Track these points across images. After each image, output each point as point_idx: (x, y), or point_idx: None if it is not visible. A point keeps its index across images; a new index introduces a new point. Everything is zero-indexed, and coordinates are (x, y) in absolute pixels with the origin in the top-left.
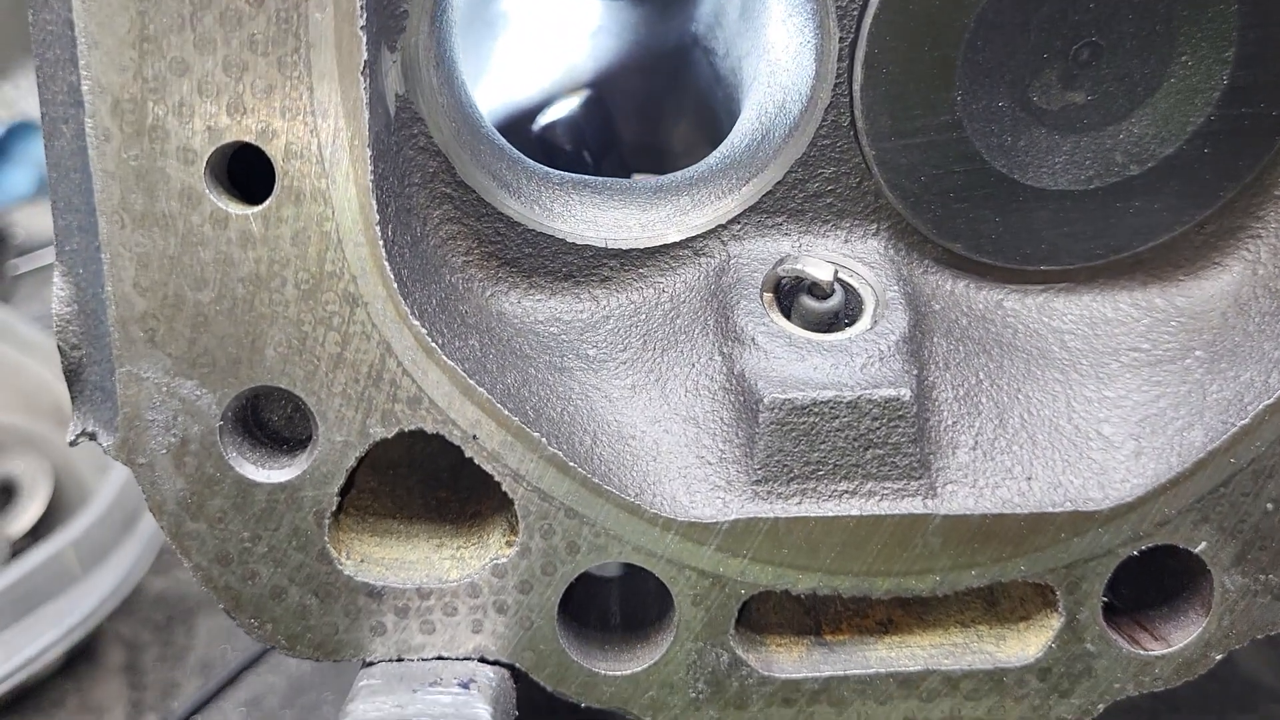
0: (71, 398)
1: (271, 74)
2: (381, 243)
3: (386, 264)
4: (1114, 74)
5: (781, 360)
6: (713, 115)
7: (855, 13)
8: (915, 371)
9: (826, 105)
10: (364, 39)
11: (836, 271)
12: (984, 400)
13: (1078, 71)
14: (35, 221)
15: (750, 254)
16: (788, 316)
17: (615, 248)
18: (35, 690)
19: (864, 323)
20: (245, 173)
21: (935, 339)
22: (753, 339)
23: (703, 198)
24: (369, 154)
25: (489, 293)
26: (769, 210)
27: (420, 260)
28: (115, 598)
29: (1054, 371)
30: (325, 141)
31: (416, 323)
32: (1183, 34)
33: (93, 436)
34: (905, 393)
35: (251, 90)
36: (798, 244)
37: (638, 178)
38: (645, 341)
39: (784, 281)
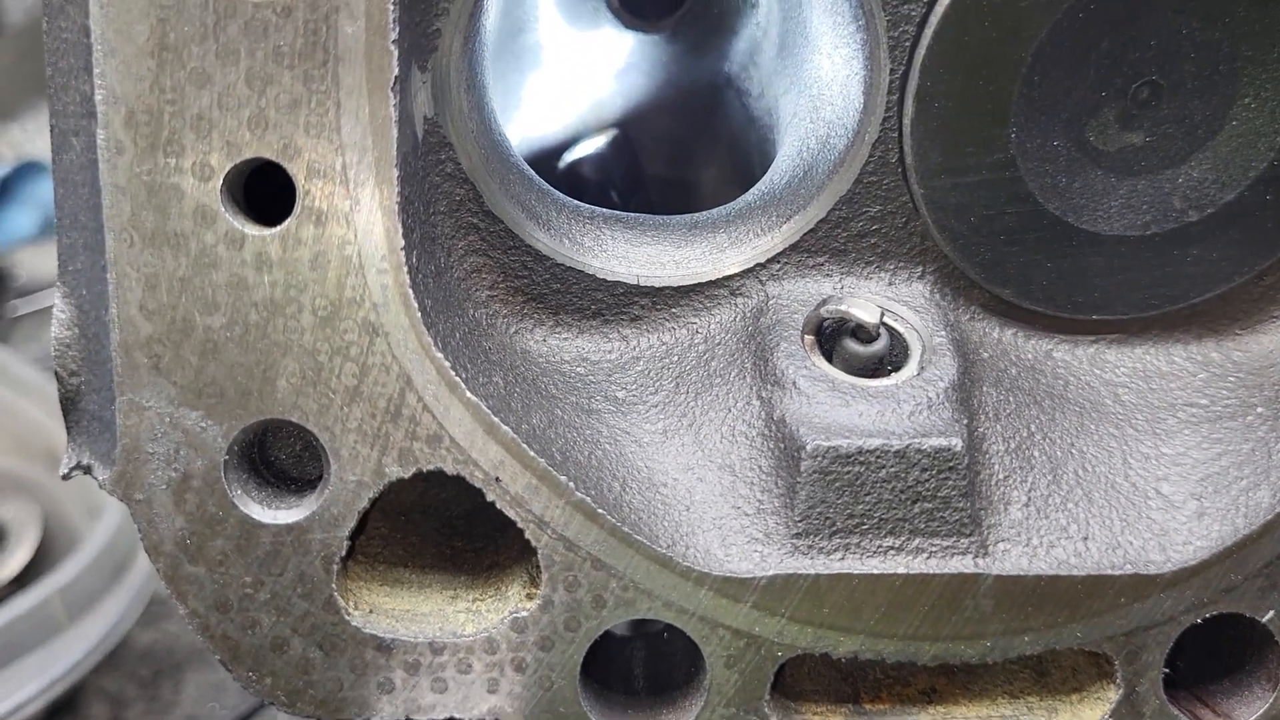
0: (67, 428)
1: (297, 88)
2: (406, 269)
3: (410, 292)
4: (1174, 115)
5: (824, 406)
6: (745, 157)
7: (908, 44)
8: (965, 421)
9: (874, 140)
10: (395, 54)
11: (883, 314)
12: (1036, 454)
13: (1136, 112)
14: (38, 263)
15: (790, 295)
16: (829, 360)
17: (648, 285)
18: None
19: (910, 369)
20: (263, 196)
21: (984, 388)
22: (794, 382)
23: (741, 235)
24: (396, 175)
25: (513, 329)
26: (810, 250)
27: (444, 291)
28: (101, 649)
29: (1108, 426)
30: (350, 161)
31: (440, 355)
32: (1246, 75)
33: (88, 470)
34: (956, 443)
35: (275, 105)
36: (839, 285)
37: (670, 216)
38: (678, 384)
39: (826, 324)
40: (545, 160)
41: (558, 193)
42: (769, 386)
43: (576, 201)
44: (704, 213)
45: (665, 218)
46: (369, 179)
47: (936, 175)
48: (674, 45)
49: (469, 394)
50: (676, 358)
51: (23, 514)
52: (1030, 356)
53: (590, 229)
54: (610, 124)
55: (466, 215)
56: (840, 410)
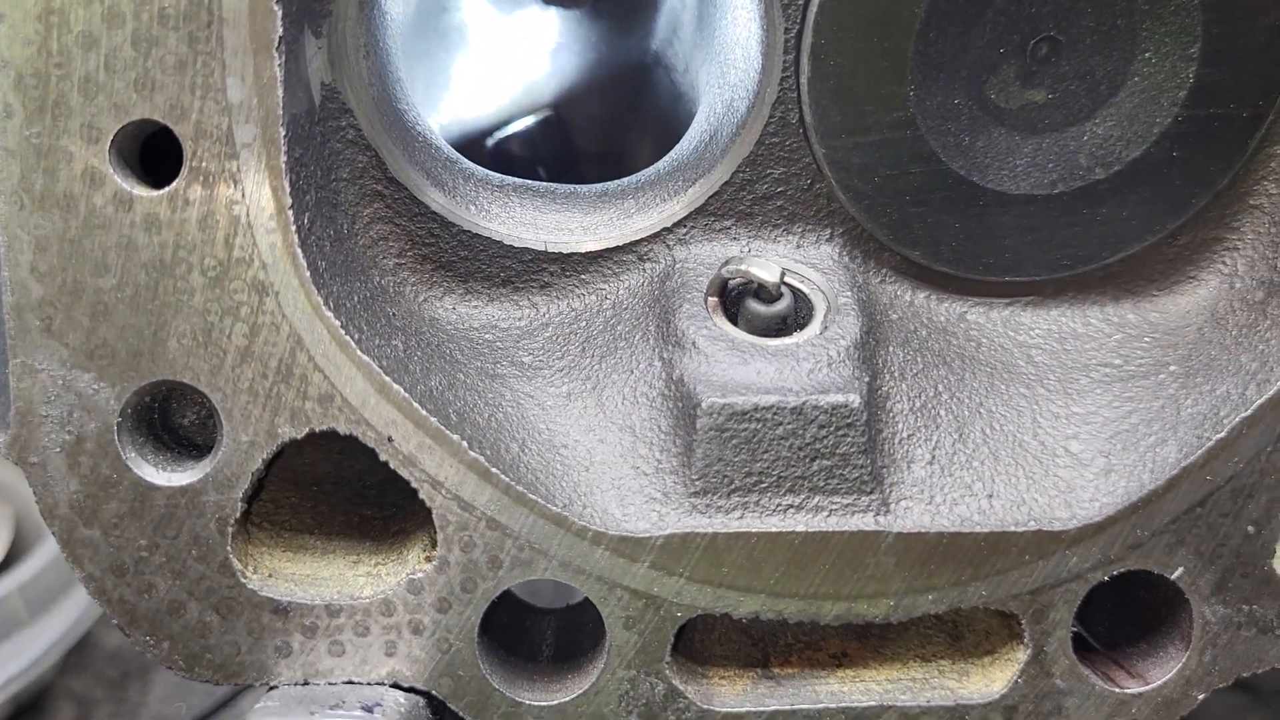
0: None
1: (182, 49)
2: (295, 229)
3: (299, 250)
4: (1075, 72)
5: (723, 364)
6: (675, 133)
7: (800, 2)
8: (867, 379)
9: (774, 101)
10: (279, 13)
11: (784, 274)
12: (943, 413)
13: (1036, 68)
14: None
15: (696, 259)
16: (734, 322)
17: (556, 251)
18: None
19: (813, 328)
20: (164, 159)
21: (891, 348)
22: (693, 343)
23: (648, 201)
24: (283, 134)
25: (422, 297)
26: (716, 213)
27: (344, 256)
28: (63, 645)
29: (1019, 386)
30: (237, 121)
31: (330, 315)
32: (1145, 29)
33: None
34: (854, 399)
35: (161, 66)
36: (747, 248)
37: (581, 185)
38: (584, 348)
39: (730, 285)
40: (477, 140)
41: (465, 160)
42: (670, 347)
43: (485, 170)
44: (614, 181)
45: (575, 186)
46: (256, 139)
47: (837, 135)
48: (599, 23)
49: (360, 354)
50: (584, 323)
51: None
52: (942, 319)
53: (498, 196)
54: (543, 105)
55: (370, 182)
56: (739, 369)
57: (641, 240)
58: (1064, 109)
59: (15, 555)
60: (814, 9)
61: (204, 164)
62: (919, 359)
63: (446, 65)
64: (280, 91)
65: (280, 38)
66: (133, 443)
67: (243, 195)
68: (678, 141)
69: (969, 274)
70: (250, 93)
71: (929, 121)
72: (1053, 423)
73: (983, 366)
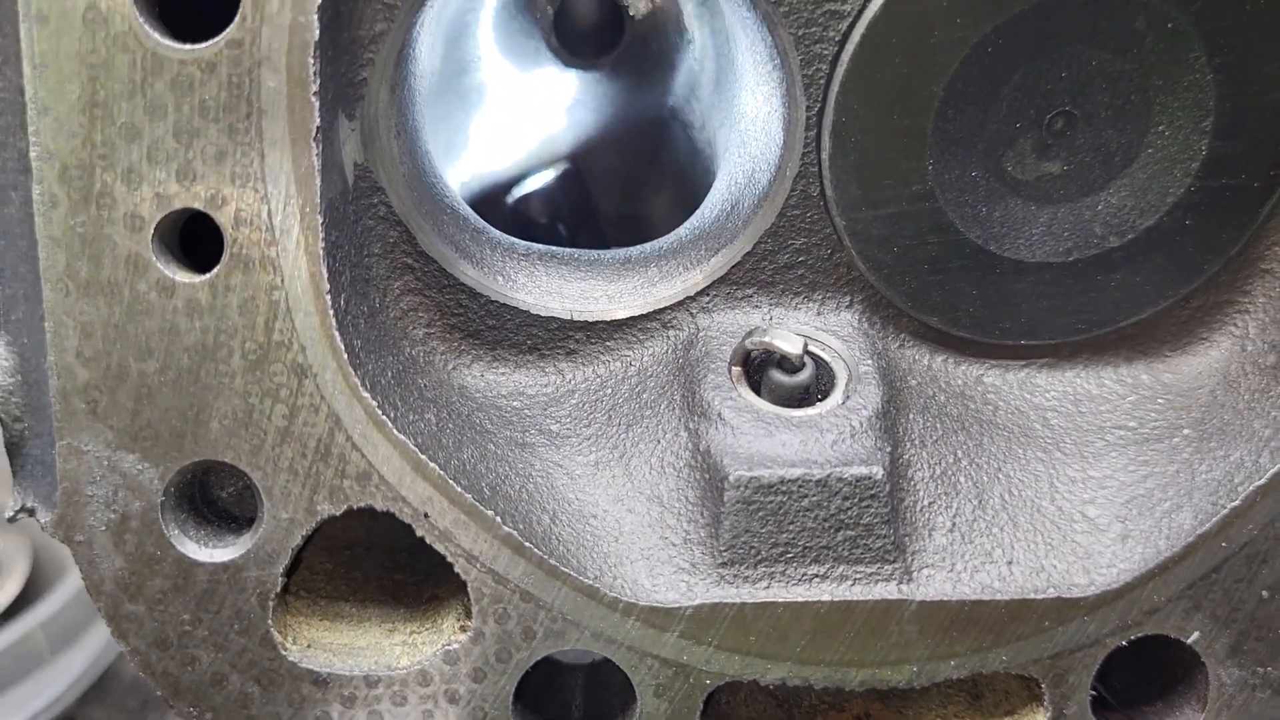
0: (13, 472)
1: (222, 140)
2: (332, 312)
3: (337, 334)
4: (1090, 144)
5: (748, 436)
6: (692, 188)
7: (822, 81)
8: (889, 448)
9: (795, 175)
10: (317, 105)
11: (807, 345)
12: (962, 479)
13: (1052, 141)
14: None
15: (719, 327)
16: (757, 391)
17: (581, 320)
18: None
19: (835, 398)
20: (199, 243)
21: (911, 415)
22: (719, 414)
23: (671, 269)
24: (320, 221)
25: (451, 365)
26: (739, 282)
27: (377, 331)
28: (84, 682)
29: (1036, 450)
30: (276, 209)
31: (367, 395)
32: (1159, 104)
33: (31, 512)
34: (877, 471)
35: (202, 157)
36: (768, 316)
37: (604, 250)
38: (610, 417)
39: (753, 355)
40: (496, 196)
41: (493, 230)
42: (696, 418)
43: (511, 239)
44: (637, 247)
45: (599, 253)
46: (294, 226)
47: (857, 208)
48: (616, 81)
49: (396, 433)
50: (610, 390)
51: (12, 547)
52: (960, 383)
53: (524, 266)
54: (560, 158)
55: (401, 256)
56: (764, 440)
57: (665, 308)
58: (1079, 180)
59: (37, 591)
60: (836, 89)
61: (244, 251)
62: (938, 425)
63: (465, 124)
64: (318, 181)
65: (318, 127)
66: (175, 520)
67: (282, 281)
68: (694, 196)
69: (986, 338)
70: (289, 182)
71: (947, 194)
72: (1070, 487)
73: (1000, 431)
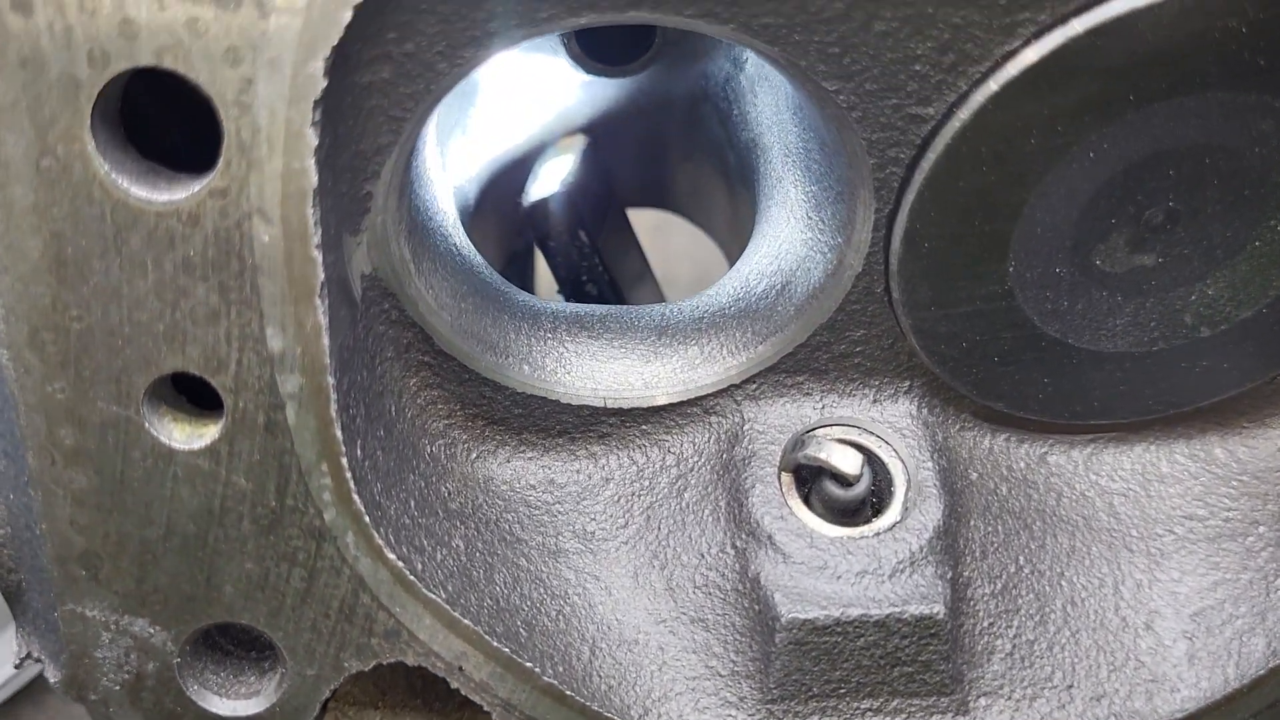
0: (14, 615)
1: (213, 299)
2: (349, 474)
3: (356, 497)
4: (1190, 238)
5: (801, 567)
6: (721, 170)
7: (895, 185)
8: (949, 573)
9: (857, 273)
10: (319, 259)
11: (864, 463)
12: (1024, 593)
13: (1149, 236)
14: None
15: (767, 419)
16: (808, 500)
17: (615, 407)
18: None
19: (893, 513)
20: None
21: (972, 522)
22: (769, 536)
23: (714, 351)
24: (331, 382)
25: (475, 455)
26: (789, 370)
27: (395, 447)
28: None
29: (1101, 547)
30: (280, 369)
31: (393, 556)
32: (1275, 199)
33: (39, 662)
34: (939, 609)
35: (191, 317)
36: (821, 405)
37: (637, 307)
38: (649, 518)
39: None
40: (508, 178)
41: (516, 298)
42: (744, 535)
43: (533, 307)
44: (673, 309)
45: (632, 316)
46: (302, 389)
47: (926, 308)
48: (642, 78)
49: (425, 591)
50: (648, 481)
51: None
52: (1022, 465)
53: (552, 348)
54: (577, 129)
55: (416, 355)
56: (818, 573)
57: (708, 395)
58: (1173, 272)
59: None
60: (911, 196)
61: (246, 415)
62: (999, 528)
63: (464, 119)
64: (326, 339)
65: (323, 284)
66: (194, 675)
67: (291, 445)
68: (723, 176)
69: (1055, 419)
70: (293, 342)
71: (1026, 292)
72: (1135, 594)
73: (1064, 525)
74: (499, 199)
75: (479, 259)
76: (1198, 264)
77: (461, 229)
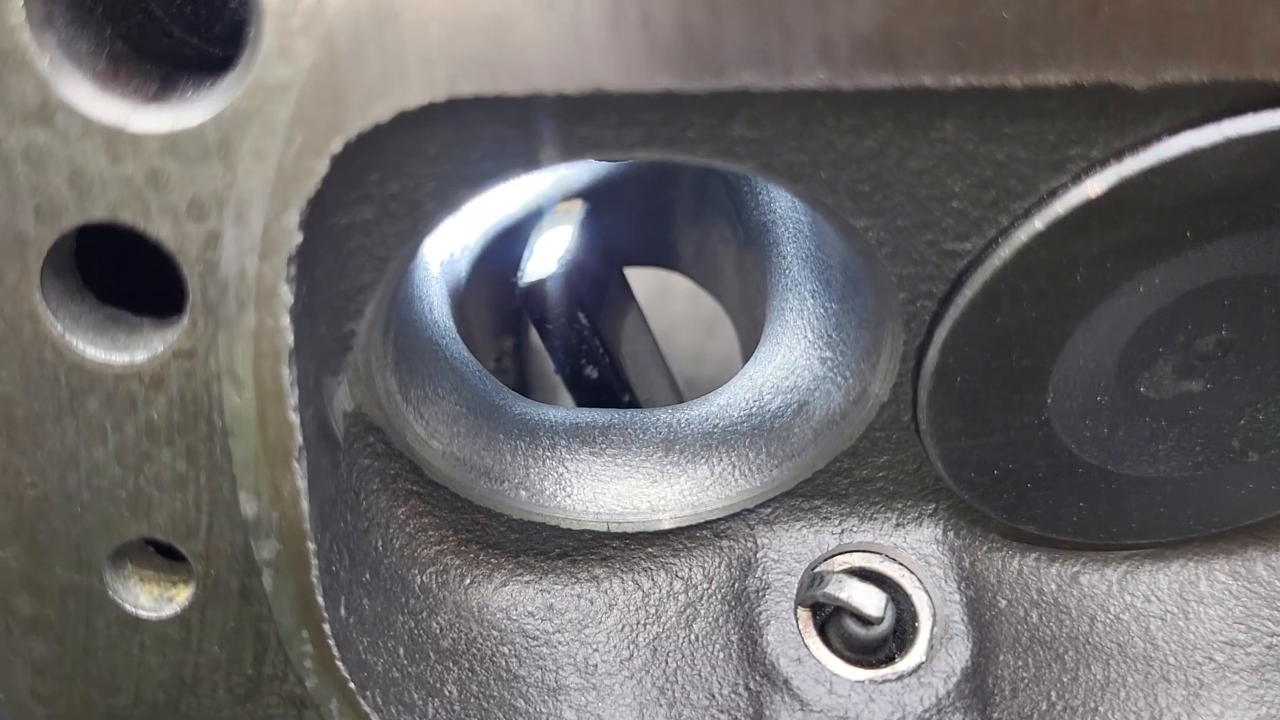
0: None
1: (180, 465)
2: (332, 640)
3: (340, 663)
4: (1242, 364)
5: (820, 717)
6: (731, 236)
7: (926, 318)
8: (978, 718)
9: (883, 402)
10: (297, 422)
11: (888, 603)
12: None
13: (1198, 363)
14: None
15: (783, 546)
16: (824, 633)
17: (620, 531)
18: None
19: (918, 652)
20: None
21: (1001, 657)
22: (786, 681)
23: (725, 473)
24: (311, 548)
25: (468, 580)
26: (806, 495)
27: (383, 589)
28: None
29: (1137, 676)
30: (255, 536)
31: None
32: None
33: None
34: None
35: (156, 483)
36: (840, 530)
37: (641, 416)
38: (655, 650)
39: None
40: (504, 246)
41: (512, 410)
42: (758, 677)
43: (533, 419)
44: (681, 418)
45: (637, 427)
46: (279, 556)
47: (956, 439)
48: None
49: None
50: (654, 609)
51: None
52: (1053, 587)
53: (551, 469)
54: (575, 194)
55: (405, 485)
56: None
57: (718, 519)
58: (1223, 398)
59: None
60: (944, 331)
61: (219, 583)
62: (1030, 661)
63: None
64: (305, 504)
65: (301, 448)
66: None
67: (268, 612)
68: (729, 249)
69: (1090, 541)
70: (268, 508)
71: (1065, 421)
72: None
73: (1098, 653)
74: (493, 271)
75: (473, 367)
76: (1249, 390)
77: (454, 333)
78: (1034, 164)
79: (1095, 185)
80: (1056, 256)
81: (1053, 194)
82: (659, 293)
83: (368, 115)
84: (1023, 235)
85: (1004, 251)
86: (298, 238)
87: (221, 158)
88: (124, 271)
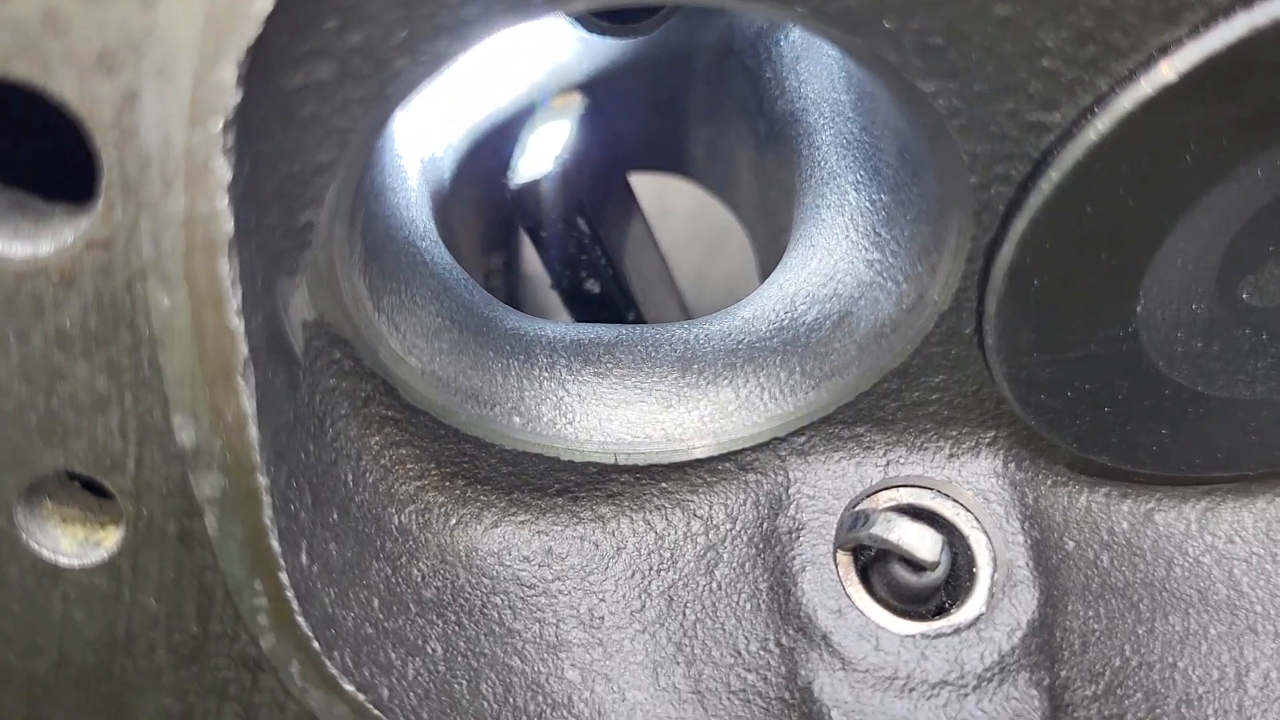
0: None
1: (99, 382)
2: (290, 591)
3: (301, 619)
4: None
5: (865, 677)
6: (750, 134)
7: (1000, 207)
8: (1046, 679)
9: (942, 311)
10: (240, 328)
11: (944, 545)
12: (1131, 691)
13: None
14: None
15: (819, 481)
16: (867, 579)
17: (629, 464)
18: None
19: (976, 602)
20: None
21: (1070, 606)
22: (824, 635)
23: (752, 394)
24: (263, 482)
25: (454, 520)
26: (847, 420)
27: (354, 531)
28: None
29: (1220, 626)
30: (194, 467)
31: (351, 688)
32: None
33: None
34: None
35: (72, 404)
36: (885, 461)
37: (654, 330)
38: (671, 600)
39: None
40: (491, 146)
41: (504, 324)
42: (791, 631)
43: (528, 334)
44: (700, 333)
45: (648, 343)
46: (223, 492)
47: (1027, 354)
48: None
49: None
50: (669, 553)
51: None
52: (1126, 525)
53: (549, 391)
54: (574, 85)
55: (378, 409)
56: (886, 685)
57: (745, 450)
58: None
59: None
60: (1022, 224)
61: (153, 524)
62: (1101, 610)
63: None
64: (253, 429)
65: (246, 359)
66: None
67: (213, 559)
68: (751, 144)
69: (1170, 473)
70: (209, 434)
71: (1154, 333)
72: (1262, 688)
73: (1176, 601)
74: (481, 173)
75: (457, 274)
76: None
77: (434, 235)
78: (1144, 12)
79: (1216, 40)
80: (1164, 130)
81: (1164, 51)
82: (658, 214)
83: None
84: (1126, 103)
85: (1101, 124)
86: (236, 97)
87: None
88: (36, 148)
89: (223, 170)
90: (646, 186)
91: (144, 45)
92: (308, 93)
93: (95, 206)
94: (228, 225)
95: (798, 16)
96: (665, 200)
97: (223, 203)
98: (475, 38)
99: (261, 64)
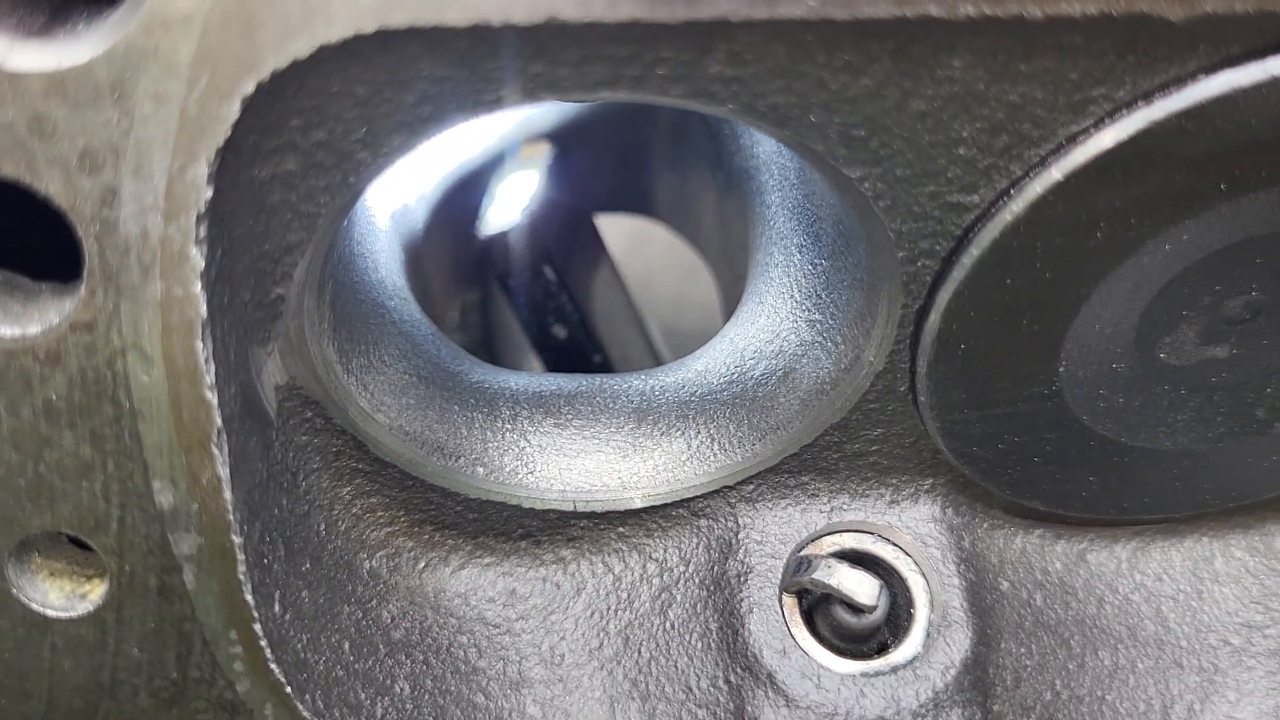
0: None
1: (84, 450)
2: (264, 640)
3: (274, 666)
4: (1272, 328)
5: (807, 714)
6: (711, 182)
7: (927, 279)
8: (978, 715)
9: (877, 371)
10: (214, 400)
11: (881, 590)
12: None
13: (1225, 327)
14: None
15: (766, 527)
16: (810, 620)
17: (588, 511)
18: None
19: (913, 642)
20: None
21: (1003, 645)
22: (770, 674)
23: (703, 446)
24: (237, 541)
25: (422, 564)
26: (792, 470)
27: (326, 578)
28: None
29: (1148, 662)
30: (172, 528)
31: None
32: None
33: None
34: None
35: (58, 471)
36: (829, 508)
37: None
38: (627, 639)
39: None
40: (465, 194)
41: (469, 378)
42: (739, 670)
43: (491, 387)
44: (655, 384)
45: (606, 395)
46: (201, 547)
47: (958, 410)
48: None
49: None
50: (626, 594)
51: None
52: (1059, 565)
53: (511, 443)
54: (542, 135)
55: (348, 462)
56: None
57: (696, 497)
58: (1249, 364)
59: None
60: (947, 294)
61: (135, 579)
62: (1033, 648)
63: None
64: (228, 493)
65: (221, 430)
66: None
67: (192, 611)
68: (709, 194)
69: (1100, 516)
70: (186, 498)
71: (1077, 391)
72: None
73: (1106, 638)
74: (453, 219)
75: (425, 329)
76: (1278, 355)
77: (404, 293)
78: (1052, 106)
79: (1120, 131)
80: (1075, 211)
81: (1072, 140)
82: (639, 239)
83: (284, 51)
84: (1038, 187)
85: (1016, 205)
86: (207, 193)
87: (115, 101)
88: (25, 231)
89: (196, 258)
90: (624, 216)
91: (122, 146)
92: (275, 182)
93: (79, 291)
94: (201, 308)
95: (729, 112)
96: (644, 226)
97: (196, 288)
98: (431, 132)
99: (232, 161)
